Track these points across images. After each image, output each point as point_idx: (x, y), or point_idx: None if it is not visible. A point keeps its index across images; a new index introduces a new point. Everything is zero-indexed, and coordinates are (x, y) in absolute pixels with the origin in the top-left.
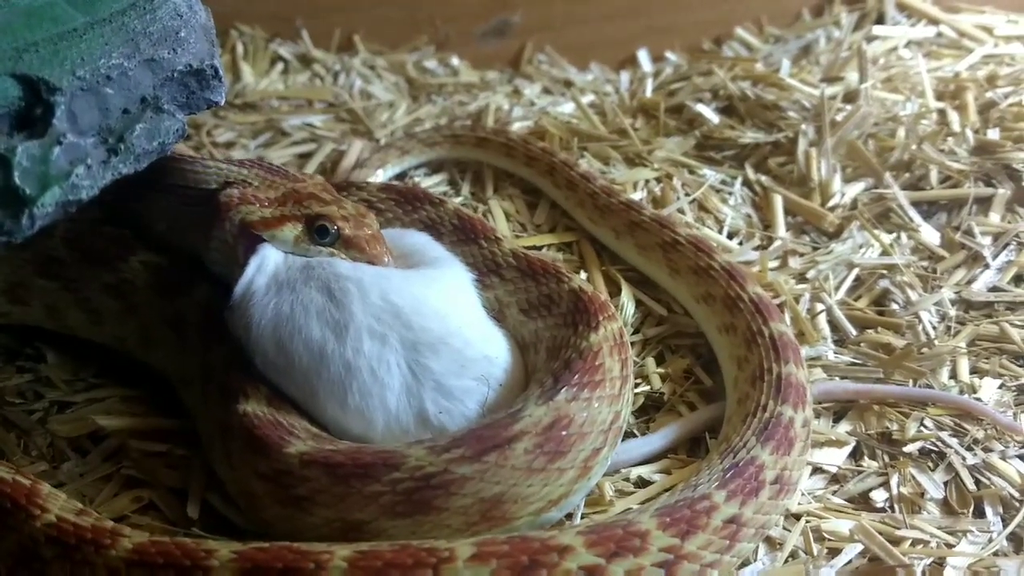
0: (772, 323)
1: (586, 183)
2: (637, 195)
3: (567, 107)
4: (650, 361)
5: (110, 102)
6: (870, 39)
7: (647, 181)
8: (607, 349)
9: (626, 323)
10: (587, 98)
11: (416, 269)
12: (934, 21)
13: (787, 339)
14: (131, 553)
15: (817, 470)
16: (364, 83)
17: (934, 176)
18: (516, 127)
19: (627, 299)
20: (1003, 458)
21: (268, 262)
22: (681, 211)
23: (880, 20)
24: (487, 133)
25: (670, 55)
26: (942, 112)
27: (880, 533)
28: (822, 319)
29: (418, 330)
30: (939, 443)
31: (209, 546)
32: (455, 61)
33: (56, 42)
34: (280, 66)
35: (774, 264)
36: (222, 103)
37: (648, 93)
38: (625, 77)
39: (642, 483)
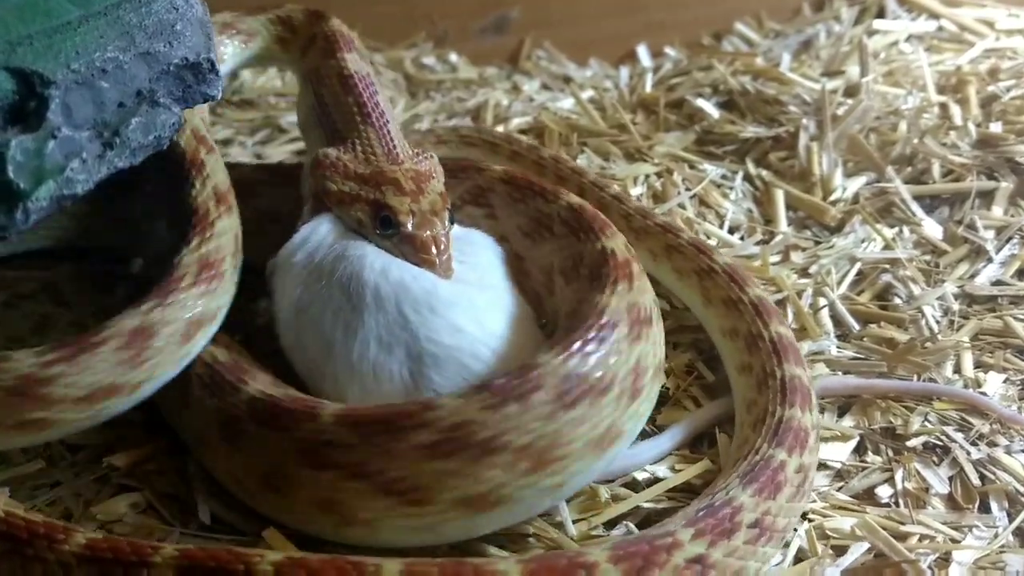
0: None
1: (619, 204)
2: (637, 190)
3: (566, 103)
4: None
5: (105, 96)
6: (871, 33)
7: (647, 176)
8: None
9: None
10: (586, 94)
11: (460, 283)
12: (935, 15)
13: (798, 383)
14: (83, 548)
15: (822, 466)
16: None
17: (936, 170)
18: (515, 123)
19: None
20: (1008, 453)
21: (314, 237)
22: (682, 206)
23: (881, 14)
24: (520, 148)
25: (669, 50)
26: (944, 106)
27: (885, 529)
28: (824, 314)
29: (424, 342)
30: (944, 437)
31: (155, 544)
32: (453, 57)
33: (50, 35)
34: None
35: (776, 259)
36: (219, 97)
37: (648, 88)
38: (624, 73)
39: (653, 480)
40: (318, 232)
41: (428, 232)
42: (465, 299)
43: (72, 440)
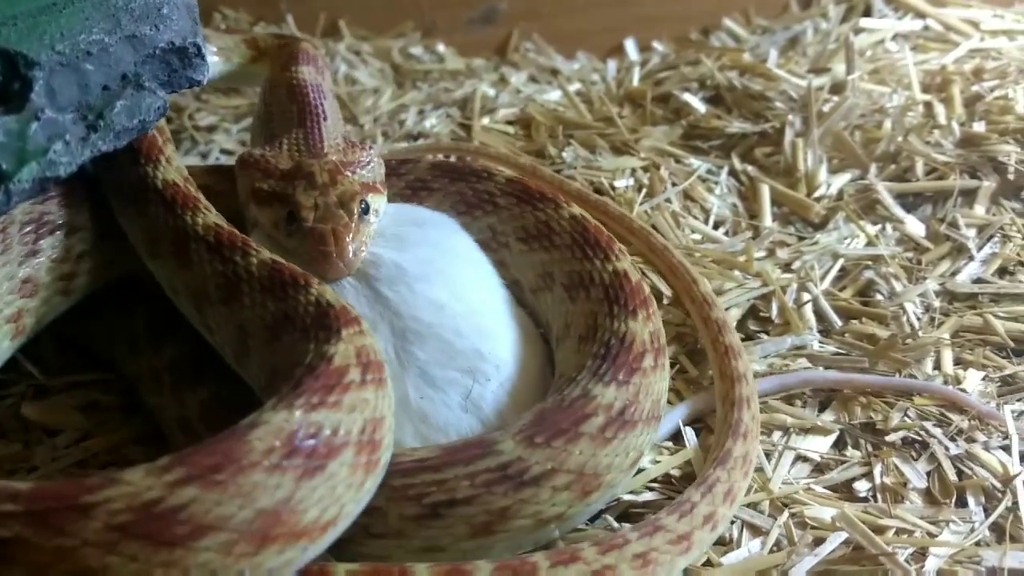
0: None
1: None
2: (623, 183)
3: (554, 95)
4: None
5: (90, 78)
6: (857, 31)
7: (633, 170)
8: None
9: None
10: (574, 86)
11: (427, 259)
12: (921, 15)
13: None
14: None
15: (801, 458)
16: (349, 68)
17: (920, 168)
18: (502, 114)
19: None
20: (986, 448)
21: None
22: (668, 200)
23: (867, 13)
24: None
25: (657, 45)
26: (928, 105)
27: (863, 522)
28: (808, 309)
29: (407, 318)
30: (922, 433)
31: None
32: (441, 48)
33: (35, 16)
34: (259, 28)
35: (760, 254)
36: (204, 82)
37: (635, 82)
38: (612, 66)
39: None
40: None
41: (329, 225)
42: (436, 273)
43: (51, 424)
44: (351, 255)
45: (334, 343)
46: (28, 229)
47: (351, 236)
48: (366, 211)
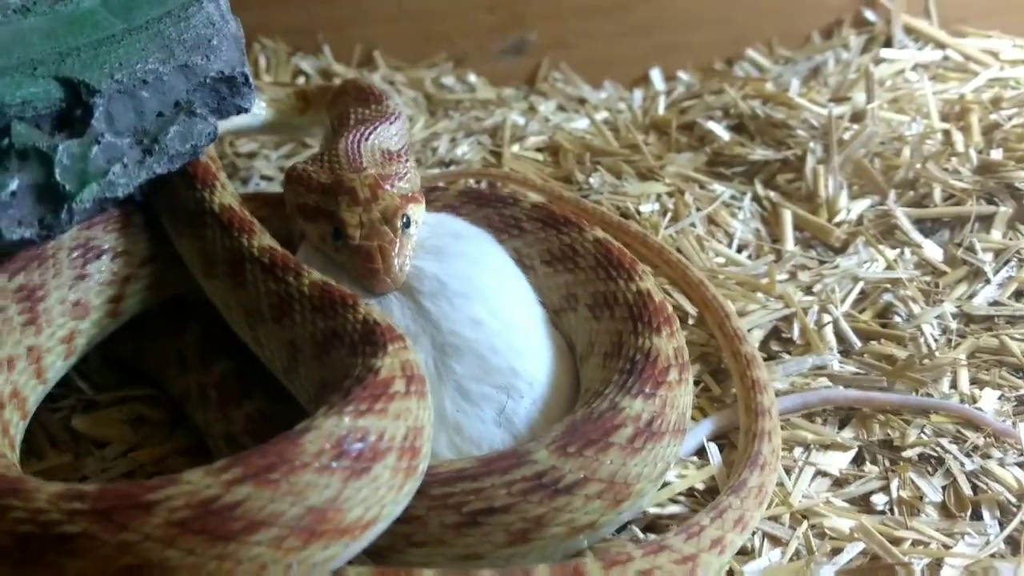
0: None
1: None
2: (648, 207)
3: (581, 123)
4: None
5: (146, 105)
6: (878, 61)
7: (659, 195)
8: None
9: None
10: (601, 115)
11: (467, 275)
12: (941, 45)
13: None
14: None
15: (821, 473)
16: None
17: (938, 194)
18: (531, 142)
19: None
20: (1001, 464)
21: (311, 261)
22: (693, 225)
23: (888, 43)
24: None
25: (682, 74)
26: (947, 132)
27: (880, 533)
28: (828, 330)
29: (447, 333)
30: (939, 449)
31: None
32: (472, 78)
33: (96, 47)
34: (302, 80)
35: (783, 277)
36: (252, 109)
37: (661, 111)
38: (638, 95)
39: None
40: (315, 257)
41: (376, 242)
42: (475, 290)
43: (99, 436)
44: (397, 270)
45: (380, 357)
46: (76, 254)
47: (396, 251)
48: (408, 224)
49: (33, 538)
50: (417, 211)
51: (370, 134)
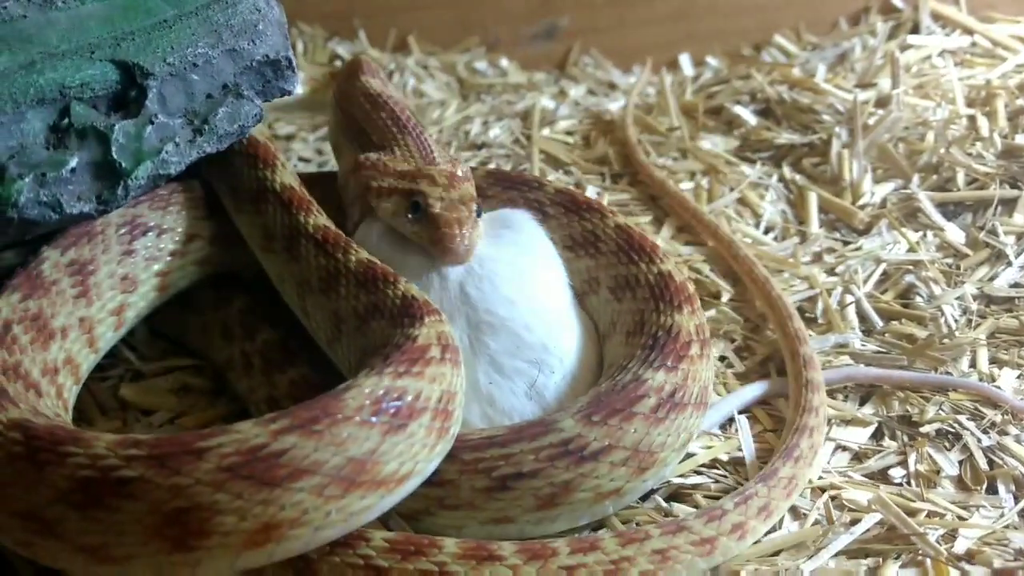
0: None
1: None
2: (686, 186)
3: (611, 106)
4: None
5: (195, 87)
6: (904, 48)
7: (694, 174)
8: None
9: None
10: (631, 99)
11: (511, 260)
12: (969, 31)
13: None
14: None
15: (841, 447)
16: (417, 82)
17: (961, 178)
18: (561, 125)
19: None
20: (1018, 441)
21: (367, 239)
22: (725, 206)
23: (915, 30)
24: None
25: (711, 60)
26: (972, 118)
27: (897, 505)
28: (851, 310)
29: (482, 312)
30: (956, 425)
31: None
32: (504, 62)
33: (149, 32)
34: (338, 64)
35: (807, 258)
36: (295, 92)
37: (689, 95)
38: (668, 80)
39: (684, 456)
40: (370, 237)
41: (455, 214)
42: (517, 274)
43: (146, 404)
44: (469, 244)
45: (418, 327)
46: (124, 230)
47: (472, 228)
48: (479, 214)
49: (93, 482)
50: (480, 208)
51: (423, 129)
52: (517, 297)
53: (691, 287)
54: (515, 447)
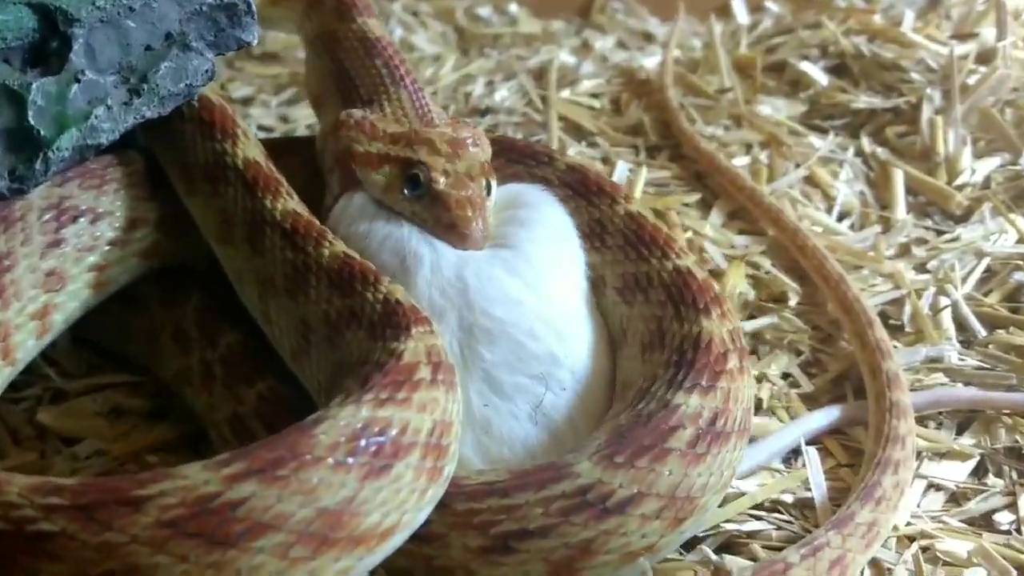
0: None
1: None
2: (741, 161)
3: (648, 61)
4: None
5: (131, 36)
6: None
7: (750, 146)
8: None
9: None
10: (671, 53)
11: (515, 247)
12: None
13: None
14: None
15: (933, 486)
16: (406, 32)
17: None
18: (585, 86)
19: (736, 280)
20: None
21: (346, 215)
22: (789, 186)
23: None
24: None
25: (770, 4)
26: None
27: (1005, 558)
28: (946, 316)
29: (479, 312)
30: None
31: None
32: (513, 8)
33: None
34: None
35: (891, 251)
36: (255, 43)
37: (743, 48)
38: (717, 29)
39: (737, 494)
40: (349, 210)
41: (464, 192)
42: (522, 262)
43: (69, 431)
44: (486, 226)
45: (403, 340)
46: (48, 216)
47: (485, 207)
48: (490, 190)
49: (3, 537)
50: (493, 183)
51: (420, 85)
52: (523, 295)
53: (715, 286)
54: (519, 496)
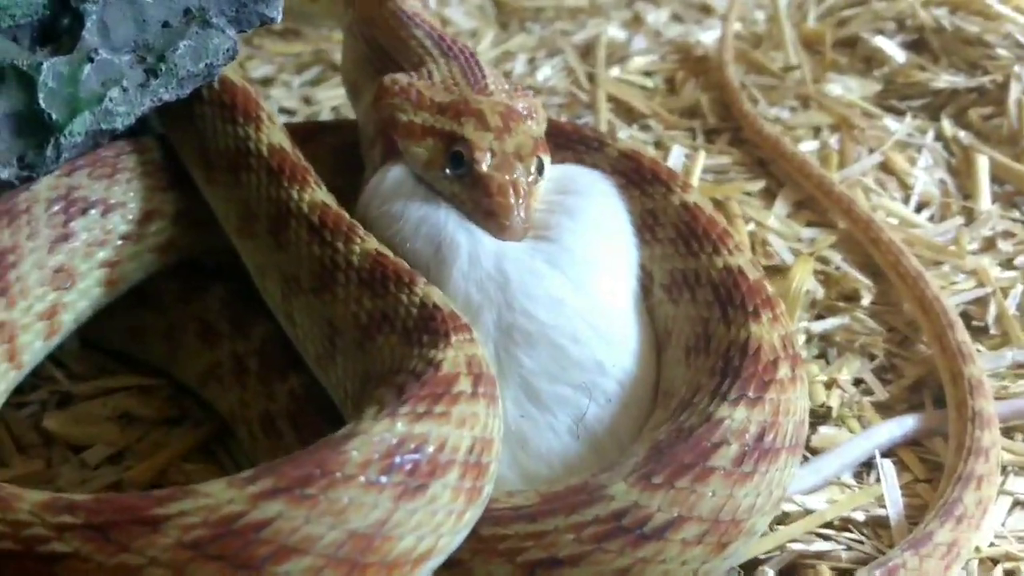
0: None
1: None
2: (808, 146)
3: (706, 36)
4: (811, 367)
5: (148, 13)
6: None
7: (819, 130)
8: None
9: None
10: (731, 27)
11: (558, 240)
12: None
13: None
14: None
15: (1020, 504)
16: (439, 5)
17: None
18: (636, 63)
19: (803, 276)
20: None
21: (384, 189)
22: (862, 173)
23: None
24: None
25: None
26: None
27: None
28: None
29: (519, 312)
30: None
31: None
32: None
33: None
34: None
35: (975, 245)
36: (279, 19)
37: (811, 21)
38: (782, 1)
39: (803, 513)
40: (384, 186)
41: (508, 176)
42: (567, 258)
43: (77, 438)
44: (526, 218)
45: (442, 348)
46: (56, 208)
47: (531, 192)
48: (540, 171)
49: (12, 557)
50: (546, 160)
51: (473, 50)
52: (566, 294)
53: (768, 287)
54: (549, 522)
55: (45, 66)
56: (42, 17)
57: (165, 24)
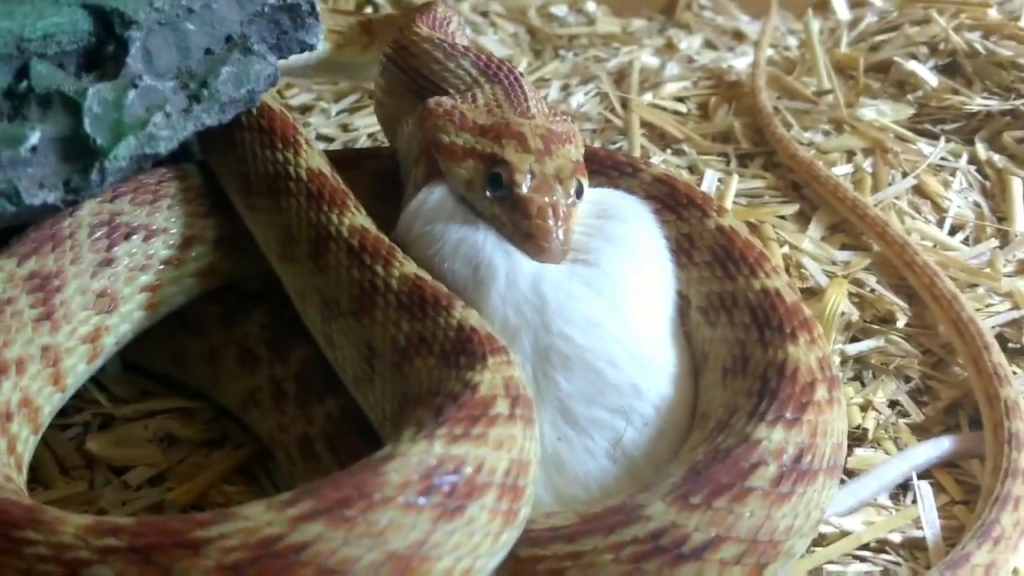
0: None
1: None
2: (842, 170)
3: (739, 62)
4: (847, 389)
5: (191, 40)
6: None
7: (852, 154)
8: None
9: (829, 331)
10: (764, 53)
11: (596, 264)
12: None
13: None
14: None
15: None
16: (474, 33)
17: None
18: (669, 89)
19: (838, 298)
20: None
21: (425, 208)
22: (896, 197)
23: None
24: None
25: None
26: None
27: None
28: None
29: (556, 335)
30: None
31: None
32: (591, 6)
33: None
34: (370, 10)
35: (1010, 268)
36: (318, 46)
37: (844, 47)
38: (815, 27)
39: (840, 535)
40: (426, 207)
41: (548, 198)
42: (605, 282)
43: (119, 460)
44: (565, 240)
45: (479, 371)
46: (99, 233)
47: (570, 216)
48: (579, 194)
49: None
50: (585, 183)
51: (519, 74)
52: (604, 317)
53: (806, 310)
54: (586, 542)
55: (90, 92)
56: (87, 44)
57: (207, 51)
